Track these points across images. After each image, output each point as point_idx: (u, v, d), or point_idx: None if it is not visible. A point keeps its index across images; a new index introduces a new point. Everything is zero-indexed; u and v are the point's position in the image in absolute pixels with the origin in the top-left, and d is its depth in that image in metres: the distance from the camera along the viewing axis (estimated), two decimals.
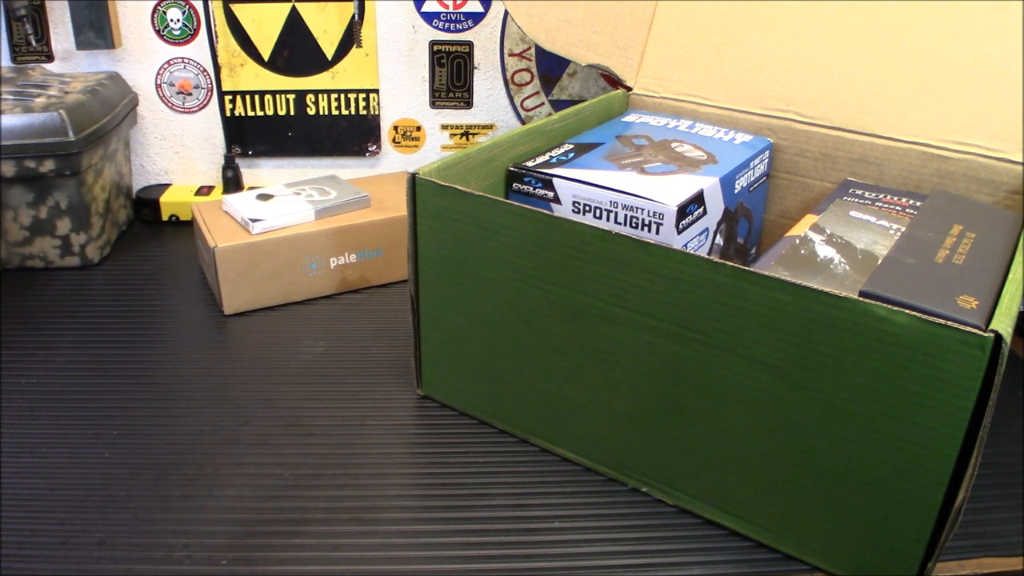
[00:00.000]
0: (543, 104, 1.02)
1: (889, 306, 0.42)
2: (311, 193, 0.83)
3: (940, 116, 0.68)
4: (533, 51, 0.99)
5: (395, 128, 1.02)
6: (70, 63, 0.95)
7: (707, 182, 0.62)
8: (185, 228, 0.95)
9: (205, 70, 0.97)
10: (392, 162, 1.04)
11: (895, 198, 0.64)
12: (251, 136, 1.00)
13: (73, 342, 0.71)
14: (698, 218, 0.61)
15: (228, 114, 0.99)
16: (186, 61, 0.97)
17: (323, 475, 0.57)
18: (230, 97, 0.98)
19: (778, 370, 0.47)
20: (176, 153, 1.01)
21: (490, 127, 1.03)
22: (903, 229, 0.58)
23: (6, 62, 0.93)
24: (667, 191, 0.59)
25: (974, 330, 0.40)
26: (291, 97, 0.98)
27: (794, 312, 0.45)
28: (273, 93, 0.98)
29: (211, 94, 0.98)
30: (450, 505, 0.55)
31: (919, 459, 0.44)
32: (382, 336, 0.74)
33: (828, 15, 0.75)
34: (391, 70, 0.99)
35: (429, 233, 0.59)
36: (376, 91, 0.99)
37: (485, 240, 0.56)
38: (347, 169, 1.03)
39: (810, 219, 0.60)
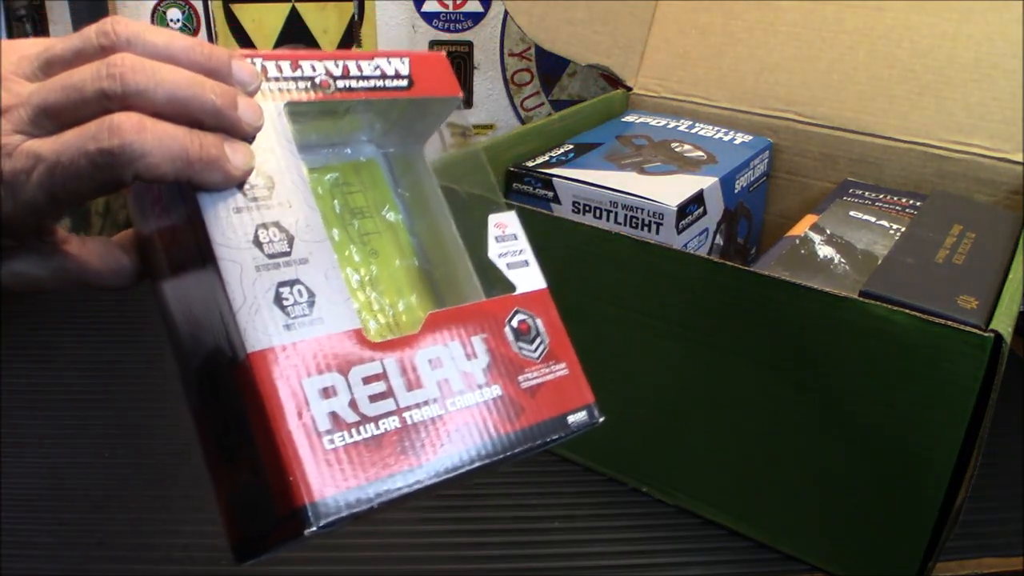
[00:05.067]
0: (543, 104, 1.02)
1: (889, 306, 0.42)
2: None
3: (940, 116, 0.68)
4: (533, 51, 0.99)
5: None
6: None
7: (707, 182, 0.62)
8: None
9: None
10: None
11: (895, 198, 0.64)
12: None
13: (73, 342, 0.71)
14: (698, 218, 0.61)
15: None
16: None
17: None
18: None
19: (778, 370, 0.47)
20: None
21: (490, 127, 1.03)
22: (903, 229, 0.58)
23: None
24: (667, 191, 0.59)
25: (974, 330, 0.40)
26: None
27: (794, 312, 0.45)
28: None
29: None
30: (450, 505, 0.54)
31: (919, 459, 0.44)
32: None
33: (828, 15, 0.74)
34: None
35: None
36: None
37: None
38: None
39: (810, 219, 0.60)
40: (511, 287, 0.35)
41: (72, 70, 0.27)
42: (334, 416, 0.28)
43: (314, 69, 0.33)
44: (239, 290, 0.28)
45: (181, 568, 0.49)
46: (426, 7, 0.96)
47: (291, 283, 0.29)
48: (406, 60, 0.35)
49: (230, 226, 0.28)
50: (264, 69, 0.31)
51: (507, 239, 0.36)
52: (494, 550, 0.51)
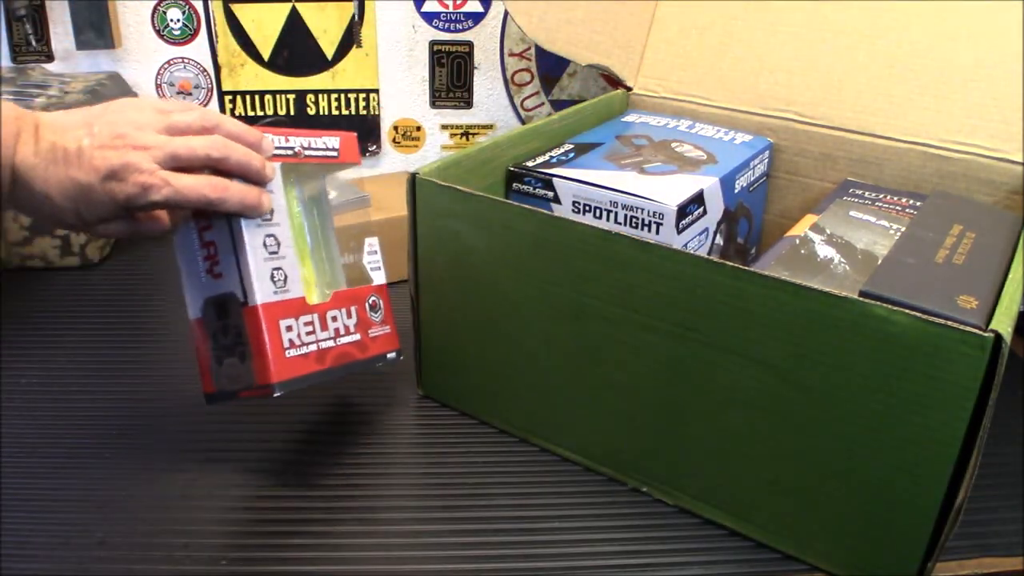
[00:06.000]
0: (543, 104, 1.02)
1: (889, 306, 0.42)
2: None
3: (940, 116, 0.68)
4: (533, 51, 0.99)
5: (395, 128, 1.02)
6: (70, 63, 0.95)
7: (707, 182, 0.62)
8: None
9: (205, 70, 0.97)
10: (392, 162, 1.04)
11: (895, 198, 0.64)
12: None
13: (73, 342, 0.71)
14: (698, 218, 0.61)
15: (228, 114, 0.98)
16: (186, 61, 0.97)
17: (323, 475, 0.57)
18: (230, 97, 0.98)
19: (778, 370, 0.47)
20: None
21: (490, 127, 1.03)
22: (903, 229, 0.58)
23: (6, 62, 0.93)
24: (667, 191, 0.59)
25: (974, 330, 0.40)
26: (291, 97, 0.98)
27: (794, 312, 0.45)
28: (273, 93, 0.98)
29: (211, 94, 0.98)
30: (450, 505, 0.55)
31: (919, 459, 0.44)
32: None
33: (828, 15, 0.75)
34: (391, 70, 0.99)
35: (429, 233, 0.59)
36: (376, 91, 0.99)
37: (485, 240, 0.56)
38: (347, 169, 1.03)
39: (810, 219, 0.60)
40: (371, 281, 0.61)
41: (192, 137, 0.50)
42: (290, 340, 0.53)
43: (295, 143, 0.56)
44: (254, 270, 0.51)
45: (181, 568, 0.49)
46: (426, 7, 0.96)
47: (278, 269, 0.53)
48: (337, 138, 0.59)
49: (253, 235, 0.52)
50: (272, 141, 0.54)
51: (373, 253, 0.62)
52: (494, 550, 0.51)
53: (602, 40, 0.82)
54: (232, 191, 0.49)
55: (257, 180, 0.51)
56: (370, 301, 0.59)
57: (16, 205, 0.49)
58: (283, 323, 0.52)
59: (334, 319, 0.56)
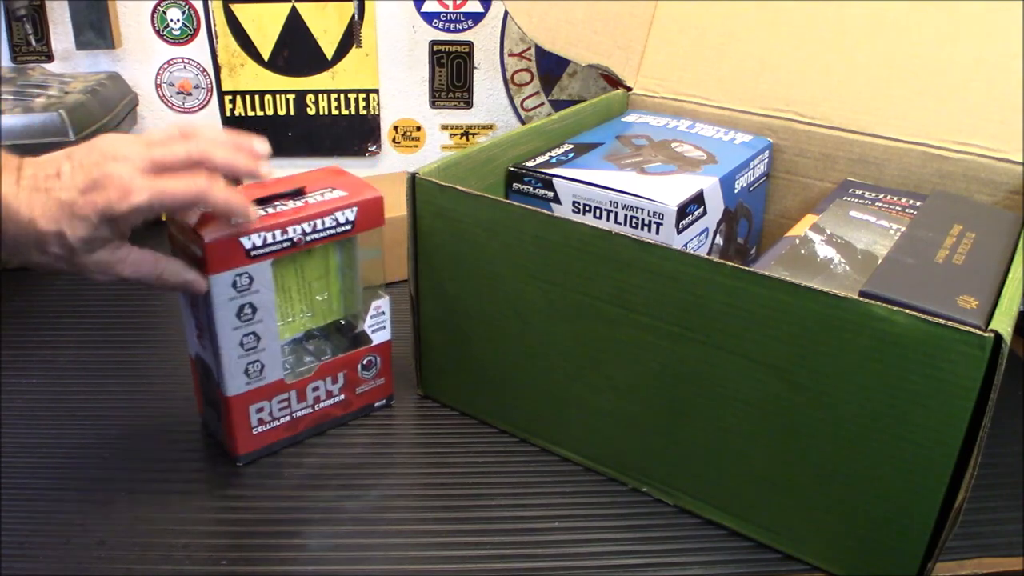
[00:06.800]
0: (543, 104, 1.02)
1: (889, 306, 0.42)
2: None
3: (940, 116, 0.68)
4: (533, 51, 0.99)
5: (395, 128, 1.02)
6: (70, 63, 0.95)
7: (707, 182, 0.62)
8: None
9: (205, 70, 0.97)
10: (392, 162, 1.04)
11: (895, 198, 0.64)
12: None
13: (73, 342, 0.71)
14: (698, 218, 0.61)
15: (228, 114, 0.98)
16: (186, 61, 0.97)
17: (323, 475, 0.57)
18: (230, 97, 0.98)
19: (778, 370, 0.47)
20: None
21: (490, 127, 1.03)
22: (903, 229, 0.58)
23: (6, 62, 0.93)
24: (667, 191, 0.59)
25: (974, 330, 0.40)
26: (291, 97, 0.98)
27: (794, 312, 0.45)
28: (273, 93, 0.98)
29: (211, 94, 0.98)
30: (450, 505, 0.55)
31: (919, 459, 0.44)
32: None
33: (828, 15, 0.75)
34: (391, 70, 0.99)
35: (429, 233, 0.59)
36: (376, 91, 0.99)
37: (485, 240, 0.56)
38: (347, 169, 1.03)
39: (810, 219, 0.60)
40: (370, 342, 0.60)
41: (174, 149, 0.49)
42: (259, 419, 0.56)
43: (293, 232, 0.53)
44: (227, 367, 0.53)
45: (181, 568, 0.49)
46: (426, 7, 0.96)
47: (254, 363, 0.54)
48: (355, 209, 0.56)
49: (229, 337, 0.52)
50: (264, 239, 0.52)
51: (378, 315, 0.60)
52: (494, 550, 0.51)
53: (602, 40, 0.82)
54: (218, 188, 0.49)
55: (246, 175, 0.52)
56: (364, 361, 0.60)
57: (5, 237, 0.47)
58: (253, 407, 0.55)
59: (315, 389, 0.58)
